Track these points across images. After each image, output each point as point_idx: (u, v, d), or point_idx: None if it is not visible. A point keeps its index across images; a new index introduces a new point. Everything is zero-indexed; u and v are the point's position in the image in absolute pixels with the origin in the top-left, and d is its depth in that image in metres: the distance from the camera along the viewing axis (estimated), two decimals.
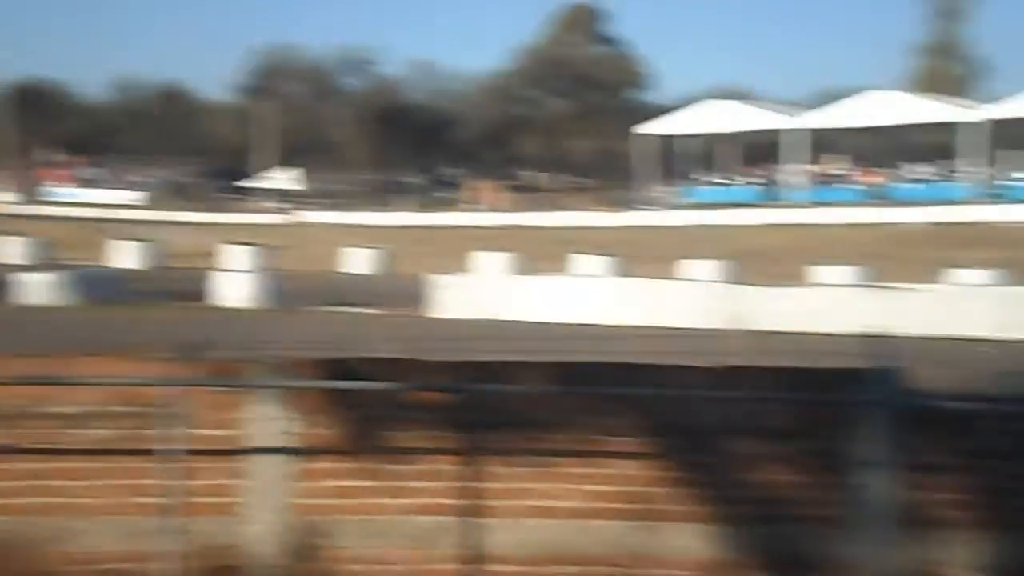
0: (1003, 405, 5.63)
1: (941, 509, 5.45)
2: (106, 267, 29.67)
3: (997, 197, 52.73)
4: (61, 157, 76.01)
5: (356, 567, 5.41)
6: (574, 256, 24.42)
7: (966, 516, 5.35)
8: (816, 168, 60.30)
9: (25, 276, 21.07)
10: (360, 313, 19.90)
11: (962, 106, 58.53)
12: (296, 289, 22.21)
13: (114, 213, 58.60)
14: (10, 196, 66.36)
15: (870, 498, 5.29)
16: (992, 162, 55.44)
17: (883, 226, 42.76)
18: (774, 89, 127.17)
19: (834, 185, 58.41)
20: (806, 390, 5.65)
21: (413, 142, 74.86)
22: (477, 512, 5.35)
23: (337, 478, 5.45)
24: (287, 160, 71.61)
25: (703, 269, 20.91)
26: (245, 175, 73.25)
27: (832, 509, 5.47)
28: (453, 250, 30.12)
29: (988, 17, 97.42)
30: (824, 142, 61.99)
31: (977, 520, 5.33)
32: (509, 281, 21.45)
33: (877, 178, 58.28)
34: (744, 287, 18.50)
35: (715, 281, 19.46)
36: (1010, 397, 6.11)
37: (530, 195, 69.31)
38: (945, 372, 10.13)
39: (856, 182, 58.47)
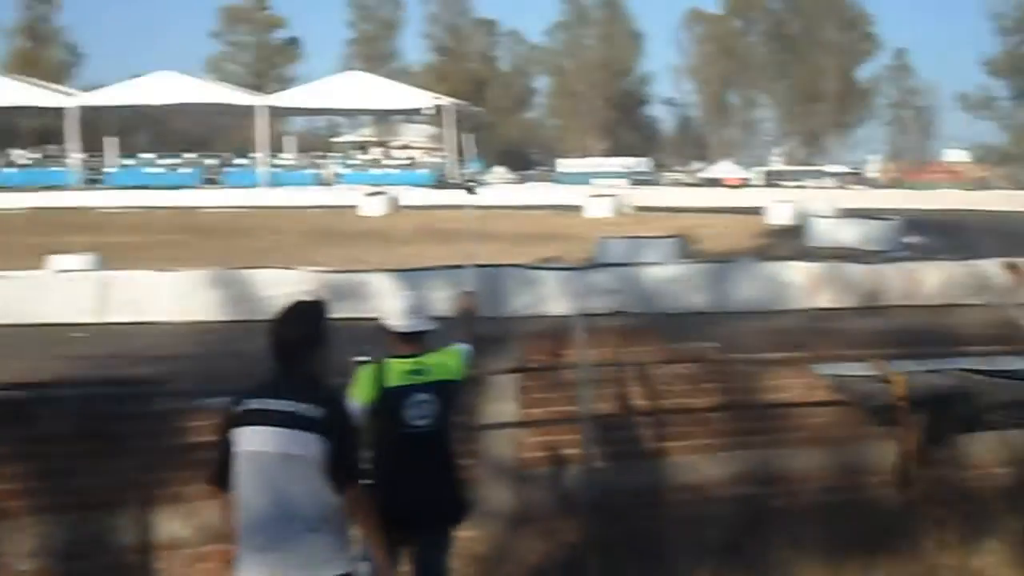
0: (63, 390, 5.77)
1: (7, 499, 5.40)
2: None
3: (97, 182, 54.02)
4: None
5: None
6: None
7: (25, 504, 5.36)
8: None
9: None
10: None
11: (60, 92, 58.61)
12: None
13: None
14: None
15: None
16: (89, 148, 56.49)
17: None
18: None
19: None
20: None
21: None
22: None
23: None
24: None
25: None
26: None
27: None
28: None
29: (80, 5, 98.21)
30: None
31: (36, 506, 5.38)
32: None
33: None
34: None
35: None
36: (73, 382, 6.29)
37: None
38: (21, 361, 10.10)
39: None
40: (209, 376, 8.86)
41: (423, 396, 4.75)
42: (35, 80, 60.95)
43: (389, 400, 4.71)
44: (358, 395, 4.69)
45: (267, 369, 4.15)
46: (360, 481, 4.15)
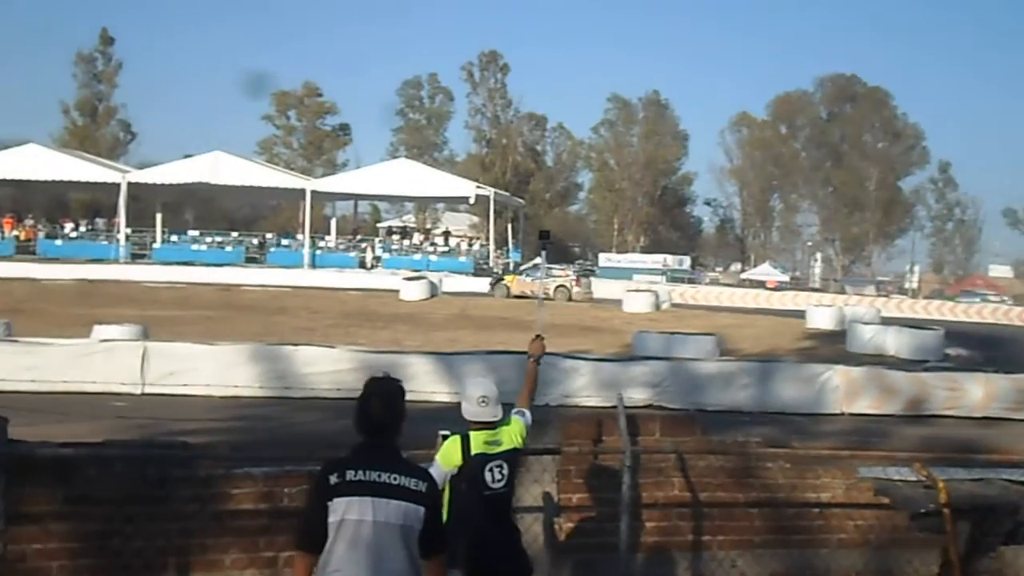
0: (108, 450, 5.82)
1: (46, 559, 5.42)
2: None
3: (143, 257, 54.88)
4: None
5: None
6: None
7: (66, 564, 5.38)
8: None
9: None
10: None
11: (113, 168, 59.71)
12: None
13: None
14: None
15: None
16: (138, 223, 57.40)
17: (34, 281, 41.46)
18: None
19: None
20: None
21: None
22: None
23: None
24: None
25: None
26: None
27: None
28: None
29: (134, 86, 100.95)
30: None
31: (76, 567, 5.39)
32: None
33: (29, 232, 56.70)
34: None
35: None
36: (126, 444, 6.34)
37: None
38: (66, 426, 10.19)
39: (5, 235, 56.06)
40: (250, 445, 8.91)
41: (498, 462, 5.28)
42: (89, 155, 62.27)
43: (473, 467, 5.19)
44: (444, 462, 5.18)
45: (357, 443, 4.38)
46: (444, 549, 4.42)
